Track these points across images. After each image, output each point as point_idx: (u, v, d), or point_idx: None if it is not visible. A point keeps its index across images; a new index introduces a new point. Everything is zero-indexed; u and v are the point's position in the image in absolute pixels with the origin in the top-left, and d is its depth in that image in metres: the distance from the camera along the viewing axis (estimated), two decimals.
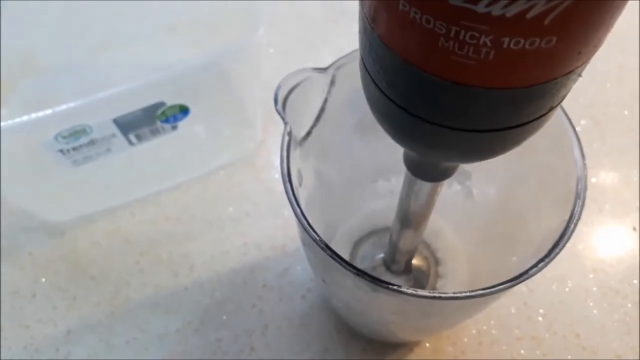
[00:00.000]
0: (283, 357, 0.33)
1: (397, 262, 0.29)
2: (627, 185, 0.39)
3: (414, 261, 0.31)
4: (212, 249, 0.36)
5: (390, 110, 0.14)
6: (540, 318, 0.34)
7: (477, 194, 0.30)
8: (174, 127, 0.32)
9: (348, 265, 0.19)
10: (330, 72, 0.24)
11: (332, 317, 0.34)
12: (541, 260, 0.19)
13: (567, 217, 0.20)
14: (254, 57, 0.31)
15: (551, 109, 0.13)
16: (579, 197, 0.21)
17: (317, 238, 0.20)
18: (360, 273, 0.19)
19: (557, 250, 0.19)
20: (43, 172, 0.31)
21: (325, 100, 0.24)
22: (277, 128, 0.41)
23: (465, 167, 0.30)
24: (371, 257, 0.33)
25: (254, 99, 0.36)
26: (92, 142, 0.30)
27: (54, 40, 0.37)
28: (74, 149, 0.30)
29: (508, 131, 0.13)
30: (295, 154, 0.22)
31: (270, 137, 0.41)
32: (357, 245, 0.34)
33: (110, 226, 0.37)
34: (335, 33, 0.47)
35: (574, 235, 0.21)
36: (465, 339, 0.33)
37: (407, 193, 0.21)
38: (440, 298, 0.19)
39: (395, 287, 0.18)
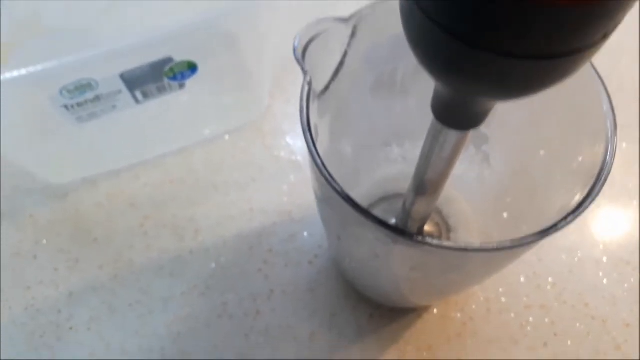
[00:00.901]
0: (289, 321, 0.32)
1: (409, 227, 0.28)
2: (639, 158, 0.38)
3: (426, 227, 0.31)
4: (217, 214, 0.36)
5: (437, 38, 0.13)
6: (549, 287, 0.34)
7: (493, 159, 0.30)
8: (182, 86, 0.31)
9: (371, 215, 0.18)
10: (352, 22, 0.23)
11: (340, 284, 0.33)
12: (570, 213, 0.19)
13: (590, 183, 0.20)
14: (259, 19, 0.31)
15: (605, 35, 0.12)
16: (604, 171, 0.20)
17: (339, 188, 0.19)
18: (383, 223, 0.18)
19: (586, 203, 0.19)
20: (46, 130, 0.31)
21: (345, 54, 0.23)
22: (284, 95, 0.41)
23: (483, 131, 0.29)
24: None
25: (261, 63, 0.35)
26: (97, 98, 0.29)
27: (60, 3, 0.36)
28: (78, 104, 0.29)
29: (561, 59, 0.12)
30: (313, 107, 0.22)
31: (277, 103, 0.40)
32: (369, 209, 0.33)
33: (114, 189, 0.36)
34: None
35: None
36: (474, 306, 0.33)
37: (431, 146, 0.20)
38: (466, 250, 0.18)
39: (419, 238, 0.18)
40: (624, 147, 0.39)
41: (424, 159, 0.22)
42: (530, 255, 0.34)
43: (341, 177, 0.28)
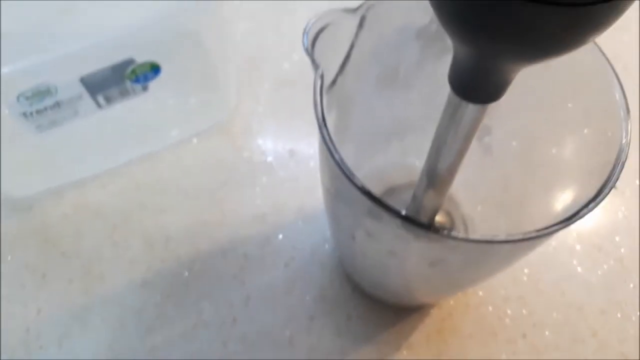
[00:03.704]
0: (267, 327, 0.32)
1: (421, 218, 0.28)
2: None
3: (437, 218, 0.30)
4: (188, 220, 0.35)
5: None
6: (525, 278, 0.34)
7: (496, 150, 0.30)
8: (145, 88, 0.30)
9: (394, 211, 0.18)
10: (360, 12, 0.22)
11: (317, 286, 0.33)
12: (591, 200, 0.19)
13: (600, 172, 0.20)
14: (220, 15, 0.30)
15: None
16: (622, 156, 0.20)
17: (360, 184, 0.19)
18: (410, 219, 0.18)
19: (606, 190, 0.19)
20: (5, 139, 0.29)
21: (352, 46, 0.23)
22: (252, 92, 0.40)
23: (485, 122, 0.29)
24: None
25: (226, 61, 0.34)
26: (57, 105, 0.28)
27: (14, 4, 0.34)
28: (37, 111, 0.28)
29: (599, 6, 0.12)
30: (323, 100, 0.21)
31: (246, 102, 0.39)
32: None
33: (80, 199, 0.35)
34: None
35: None
36: (452, 302, 0.33)
37: (448, 124, 0.20)
38: (492, 242, 0.18)
39: (445, 232, 0.18)
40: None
41: (438, 141, 0.21)
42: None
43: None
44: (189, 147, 0.37)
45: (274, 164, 0.37)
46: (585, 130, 0.24)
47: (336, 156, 0.19)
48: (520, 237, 0.18)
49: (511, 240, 0.18)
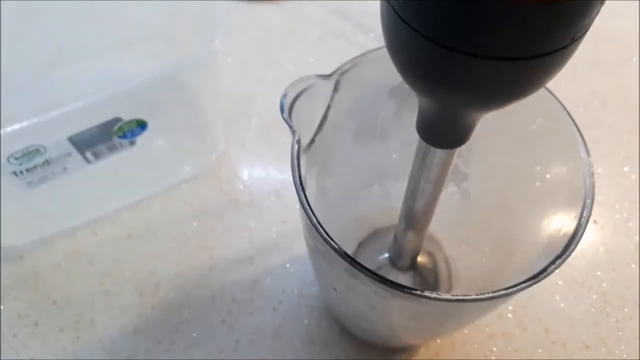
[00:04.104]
0: None
1: (403, 259, 0.29)
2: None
3: (419, 258, 0.31)
4: (177, 266, 0.35)
5: (419, 46, 0.14)
6: (510, 315, 0.34)
7: (474, 195, 0.31)
8: (132, 143, 0.31)
9: (371, 272, 0.19)
10: (334, 78, 0.24)
11: (305, 329, 0.33)
12: (557, 257, 0.20)
13: (572, 217, 0.21)
14: (211, 68, 0.31)
15: (586, 30, 0.13)
16: (588, 197, 0.21)
17: (337, 247, 0.19)
18: (384, 279, 0.19)
19: (572, 247, 0.20)
20: None
21: (328, 108, 0.24)
22: (239, 138, 0.41)
23: (462, 169, 0.30)
24: (374, 257, 0.33)
25: (214, 109, 0.35)
26: (46, 162, 0.29)
27: (4, 59, 0.35)
28: (27, 170, 0.29)
29: (540, 59, 0.13)
30: (301, 162, 0.22)
31: (233, 147, 0.40)
32: (359, 247, 0.34)
33: (71, 247, 0.36)
34: (295, 41, 0.47)
35: None
36: (438, 340, 0.33)
37: (419, 169, 0.21)
38: (463, 300, 0.19)
39: (418, 292, 0.19)
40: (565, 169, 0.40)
41: (412, 185, 0.22)
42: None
43: (330, 218, 0.29)
44: (177, 193, 0.38)
45: (262, 207, 0.38)
46: (561, 171, 0.25)
47: (313, 219, 0.20)
48: (490, 295, 0.19)
49: (482, 299, 0.19)
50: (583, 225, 0.21)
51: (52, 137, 0.28)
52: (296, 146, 0.21)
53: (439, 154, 0.20)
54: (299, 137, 0.22)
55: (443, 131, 0.19)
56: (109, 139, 0.29)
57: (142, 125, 0.30)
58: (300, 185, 0.21)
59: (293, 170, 0.21)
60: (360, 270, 0.19)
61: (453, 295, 0.19)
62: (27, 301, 0.34)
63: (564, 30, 0.13)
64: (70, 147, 0.29)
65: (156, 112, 0.30)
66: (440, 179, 0.22)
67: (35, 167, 0.29)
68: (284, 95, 0.22)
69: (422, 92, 0.17)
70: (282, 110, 0.22)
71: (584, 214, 0.21)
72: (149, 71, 0.28)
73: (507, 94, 0.15)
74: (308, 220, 0.20)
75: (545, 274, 0.20)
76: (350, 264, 0.19)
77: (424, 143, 0.20)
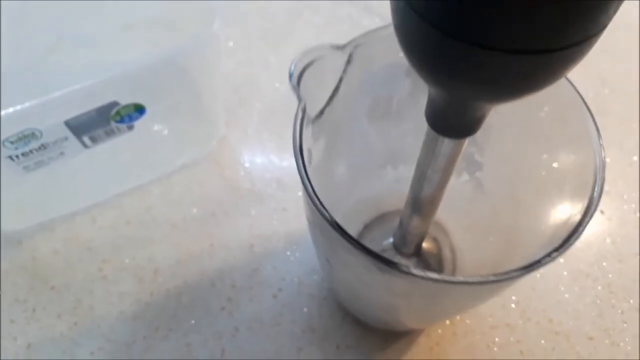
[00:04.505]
0: (256, 358, 0.32)
1: (407, 245, 0.29)
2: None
3: (424, 244, 0.31)
4: (177, 252, 0.35)
5: (433, 39, 0.13)
6: (513, 305, 0.34)
7: (486, 185, 0.30)
8: (130, 127, 0.30)
9: (358, 244, 0.19)
10: (348, 50, 0.23)
11: (305, 316, 0.33)
12: (556, 249, 0.19)
13: (580, 208, 0.21)
14: (210, 52, 0.30)
15: (604, 27, 0.13)
16: (597, 186, 0.21)
17: (328, 217, 0.19)
18: (369, 252, 0.18)
19: (572, 239, 0.19)
20: None
21: (340, 80, 0.24)
22: (240, 123, 0.40)
23: (477, 159, 0.29)
24: (379, 241, 0.33)
25: (213, 94, 0.35)
26: (43, 147, 0.28)
27: (3, 44, 0.35)
28: (23, 154, 0.28)
29: (558, 53, 0.13)
30: (307, 132, 0.22)
31: (233, 132, 0.40)
32: (365, 229, 0.34)
33: (70, 233, 0.36)
34: (299, 26, 0.46)
35: None
36: (440, 330, 0.33)
37: (426, 157, 0.21)
38: (449, 282, 0.18)
39: (403, 268, 0.18)
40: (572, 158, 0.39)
41: (419, 172, 0.22)
42: None
43: (336, 197, 0.28)
44: (177, 178, 0.37)
45: (262, 194, 0.37)
46: (569, 161, 0.24)
47: (309, 187, 0.20)
48: (477, 280, 0.18)
49: (467, 282, 0.18)
50: (593, 208, 0.20)
51: (48, 121, 0.27)
52: (300, 113, 0.21)
53: (447, 143, 0.20)
54: (305, 105, 0.21)
55: (453, 121, 0.18)
56: (106, 123, 0.29)
57: (140, 109, 0.29)
58: (299, 153, 0.20)
59: (294, 137, 0.21)
60: (350, 242, 0.19)
61: (438, 274, 0.18)
62: (26, 286, 0.34)
63: (581, 25, 0.12)
64: (67, 132, 0.28)
65: (154, 96, 0.30)
66: (448, 168, 0.21)
67: (31, 151, 0.28)
68: (294, 62, 0.21)
69: (434, 84, 0.16)
70: (290, 76, 0.21)
71: (595, 195, 0.20)
72: (145, 55, 0.27)
73: (520, 87, 0.14)
74: (304, 188, 0.20)
75: (549, 259, 0.19)
76: (342, 234, 0.19)
77: (432, 131, 0.19)
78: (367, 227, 0.34)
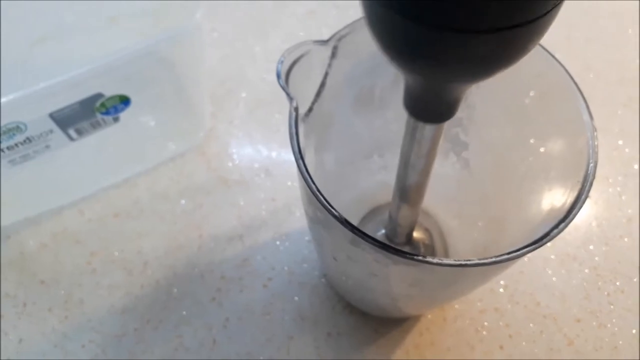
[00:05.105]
0: (247, 348, 0.32)
1: (399, 235, 0.29)
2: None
3: (415, 234, 0.31)
4: (165, 244, 0.35)
5: (399, 26, 0.14)
6: (501, 289, 0.34)
7: (473, 165, 0.30)
8: (116, 119, 0.30)
9: (371, 239, 0.19)
10: (332, 43, 0.23)
11: (295, 305, 0.33)
12: (561, 221, 0.19)
13: (568, 191, 0.21)
14: (194, 42, 0.30)
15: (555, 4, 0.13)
16: (591, 159, 0.21)
17: (337, 214, 0.19)
18: (385, 245, 0.19)
19: (575, 211, 0.20)
20: None
21: (326, 75, 0.24)
22: (226, 115, 0.40)
23: (462, 138, 0.30)
24: (371, 234, 0.33)
25: (199, 85, 0.35)
26: (28, 140, 0.28)
27: None
28: (8, 148, 0.28)
29: (524, 28, 0.13)
30: (300, 131, 0.22)
31: (220, 124, 0.40)
32: (359, 223, 0.34)
33: (58, 227, 0.35)
34: (284, 16, 0.46)
35: None
36: (429, 316, 0.33)
37: (409, 144, 0.21)
38: (465, 265, 0.18)
39: (420, 258, 0.18)
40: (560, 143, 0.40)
41: (403, 160, 0.22)
42: None
43: (328, 192, 0.29)
44: (164, 170, 0.37)
45: (250, 184, 0.37)
46: (556, 145, 0.24)
47: (313, 188, 0.20)
48: (492, 260, 0.19)
49: (483, 264, 0.19)
50: (588, 185, 0.20)
51: (32, 114, 0.27)
52: (294, 114, 0.21)
53: (428, 128, 0.20)
54: (297, 104, 0.21)
55: (430, 106, 0.18)
56: (91, 115, 0.29)
57: (125, 101, 0.29)
58: (299, 154, 0.20)
59: (291, 139, 0.21)
60: (362, 238, 0.19)
61: (455, 260, 0.18)
62: (15, 281, 0.34)
63: (530, 2, 0.12)
64: (51, 124, 0.28)
65: (139, 87, 0.30)
66: (430, 153, 0.21)
67: (16, 144, 0.28)
68: (281, 61, 0.21)
69: (405, 70, 0.16)
70: (278, 76, 0.21)
71: (588, 178, 0.21)
72: (129, 46, 0.27)
73: (488, 66, 0.15)
74: (308, 188, 0.20)
75: (548, 238, 0.19)
76: (352, 231, 0.19)
77: (412, 119, 0.19)
78: (360, 222, 0.34)
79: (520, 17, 0.13)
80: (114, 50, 0.27)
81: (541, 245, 0.19)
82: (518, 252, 0.19)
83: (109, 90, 0.28)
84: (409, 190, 0.24)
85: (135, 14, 0.37)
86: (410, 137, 0.21)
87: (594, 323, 0.33)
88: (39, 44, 0.37)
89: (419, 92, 0.18)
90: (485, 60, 0.14)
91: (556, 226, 0.20)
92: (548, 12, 0.13)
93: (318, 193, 0.20)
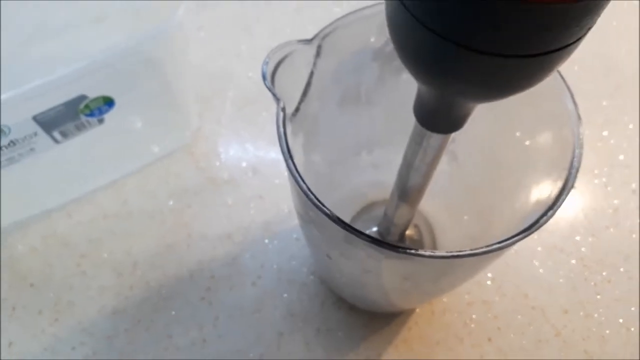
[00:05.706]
0: (237, 346, 0.32)
1: (392, 234, 0.29)
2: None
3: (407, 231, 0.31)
4: (154, 244, 0.35)
5: (429, 41, 0.13)
6: (489, 282, 0.34)
7: (461, 156, 0.31)
8: (101, 121, 0.30)
9: (364, 235, 0.19)
10: (316, 42, 0.23)
11: (285, 302, 0.33)
12: (549, 208, 0.20)
13: (555, 182, 0.21)
14: (177, 40, 0.30)
15: (589, 29, 0.13)
16: (577, 146, 0.21)
17: (330, 213, 0.19)
18: (378, 241, 0.19)
19: (563, 196, 0.20)
20: None
21: (311, 74, 0.24)
22: (214, 114, 0.40)
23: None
24: (364, 231, 0.33)
25: (184, 84, 0.35)
26: (12, 143, 0.28)
27: None
28: None
29: (550, 55, 0.13)
30: (287, 131, 0.22)
31: (207, 123, 0.40)
32: (351, 221, 0.34)
33: (46, 230, 0.36)
34: (270, 12, 0.46)
35: None
36: (417, 310, 0.33)
37: (414, 151, 0.21)
38: (458, 256, 0.19)
39: (412, 251, 0.19)
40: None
41: (407, 165, 0.22)
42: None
43: (318, 191, 0.29)
44: (152, 170, 0.37)
45: (239, 183, 0.37)
46: (542, 137, 0.25)
47: (303, 186, 0.20)
48: (484, 250, 0.19)
49: (475, 254, 0.19)
50: (574, 174, 0.21)
51: (16, 117, 0.27)
52: (281, 114, 0.21)
53: (435, 137, 0.20)
54: (284, 104, 0.21)
55: (441, 117, 0.19)
56: (76, 117, 0.29)
57: (109, 102, 0.29)
58: (288, 153, 0.20)
59: (280, 140, 0.21)
60: (356, 235, 0.19)
61: (448, 252, 0.19)
62: (4, 285, 0.34)
63: (568, 30, 0.13)
64: (36, 127, 0.28)
65: (123, 88, 0.30)
66: (435, 160, 0.22)
67: (0, 147, 0.28)
68: (266, 63, 0.21)
69: (426, 83, 0.16)
70: (264, 78, 0.21)
71: (574, 165, 0.21)
72: (111, 46, 0.27)
73: (513, 86, 0.15)
74: (299, 188, 0.20)
75: (537, 225, 0.20)
76: (345, 229, 0.19)
77: (420, 126, 0.20)
78: (354, 219, 0.34)
79: (558, 43, 0.13)
80: (96, 51, 0.27)
81: (531, 233, 0.19)
82: (509, 241, 0.19)
83: (93, 92, 0.28)
84: (409, 191, 0.24)
85: (121, 13, 0.37)
86: (416, 143, 0.21)
87: (581, 313, 0.34)
88: (21, 45, 0.37)
89: (433, 104, 0.18)
90: (513, 82, 0.14)
91: (545, 213, 0.20)
92: (579, 38, 0.13)
93: (309, 192, 0.20)
